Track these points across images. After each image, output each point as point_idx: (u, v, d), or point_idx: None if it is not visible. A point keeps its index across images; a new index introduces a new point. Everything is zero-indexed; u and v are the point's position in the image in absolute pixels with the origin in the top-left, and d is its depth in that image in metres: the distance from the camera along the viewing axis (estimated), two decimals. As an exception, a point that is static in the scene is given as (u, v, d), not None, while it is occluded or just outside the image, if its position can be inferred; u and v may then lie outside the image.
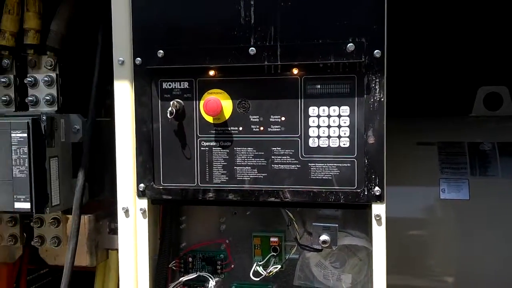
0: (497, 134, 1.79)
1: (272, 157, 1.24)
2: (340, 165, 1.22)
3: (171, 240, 1.40)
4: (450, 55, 2.25)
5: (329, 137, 1.22)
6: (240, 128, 1.25)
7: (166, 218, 1.39)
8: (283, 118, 1.23)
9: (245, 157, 1.25)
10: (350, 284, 1.34)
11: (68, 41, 1.48)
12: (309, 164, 1.23)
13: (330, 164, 1.22)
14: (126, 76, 1.29)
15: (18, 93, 1.47)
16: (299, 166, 1.23)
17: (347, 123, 1.21)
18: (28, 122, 1.33)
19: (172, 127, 1.28)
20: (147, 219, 1.32)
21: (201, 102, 1.26)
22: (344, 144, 1.21)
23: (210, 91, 1.26)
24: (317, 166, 1.23)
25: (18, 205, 1.34)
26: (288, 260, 1.39)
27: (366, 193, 1.19)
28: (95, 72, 1.41)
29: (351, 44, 1.17)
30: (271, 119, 1.24)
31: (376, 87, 1.18)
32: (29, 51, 1.46)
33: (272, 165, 1.24)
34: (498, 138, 1.76)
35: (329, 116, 1.22)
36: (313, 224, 1.26)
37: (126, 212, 1.32)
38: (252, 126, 1.25)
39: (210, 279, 1.38)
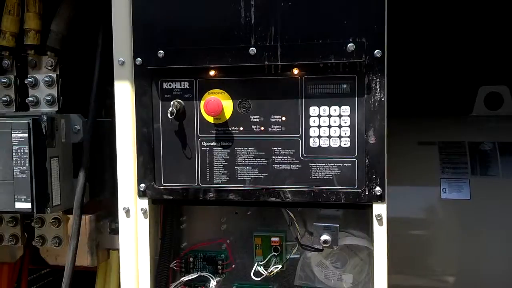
0: (498, 133, 1.79)
1: (273, 157, 1.24)
2: (341, 165, 1.22)
3: (172, 240, 1.40)
4: (450, 55, 2.24)
5: (329, 137, 1.22)
6: (241, 128, 1.25)
7: (167, 218, 1.39)
8: (283, 118, 1.23)
9: (246, 157, 1.25)
10: (351, 284, 1.35)
11: (69, 41, 1.48)
12: (310, 164, 1.23)
13: (331, 164, 1.22)
14: (127, 76, 1.29)
15: (19, 94, 1.47)
16: (299, 166, 1.23)
17: (348, 123, 1.21)
18: (28, 123, 1.33)
19: (172, 127, 1.28)
20: (148, 219, 1.32)
21: (202, 102, 1.26)
22: (344, 144, 1.21)
23: (210, 91, 1.26)
24: (318, 166, 1.23)
25: (19, 205, 1.34)
26: (289, 260, 1.39)
27: (367, 193, 1.19)
28: (95, 72, 1.41)
29: (352, 44, 1.17)
30: (271, 119, 1.24)
31: (377, 87, 1.18)
32: (30, 51, 1.46)
33: (273, 165, 1.24)
34: (499, 138, 1.76)
35: (329, 116, 1.21)
36: (314, 224, 1.26)
37: (127, 212, 1.32)
38: (253, 126, 1.25)
39: (211, 279, 1.38)
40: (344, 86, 1.20)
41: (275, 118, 1.24)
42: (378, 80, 1.17)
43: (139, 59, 1.27)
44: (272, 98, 1.24)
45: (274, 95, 1.23)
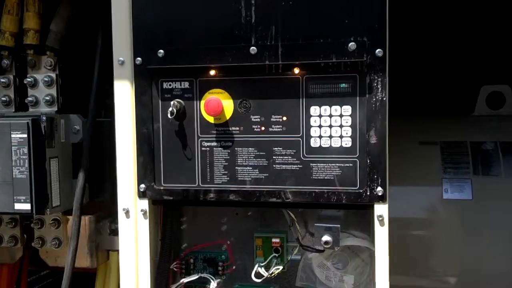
0: (500, 133, 1.79)
1: (274, 157, 1.24)
2: (342, 165, 1.21)
3: (172, 241, 1.39)
4: (452, 54, 2.24)
5: (330, 137, 1.21)
6: (241, 128, 1.25)
7: (167, 219, 1.39)
8: (284, 118, 1.23)
9: (246, 157, 1.25)
10: (353, 285, 1.34)
11: (68, 41, 1.47)
12: (311, 164, 1.22)
13: (332, 164, 1.21)
14: (126, 76, 1.28)
15: (18, 94, 1.47)
16: (300, 166, 1.23)
17: (349, 123, 1.20)
18: (28, 123, 1.32)
19: (172, 128, 1.27)
20: (148, 220, 1.31)
21: (202, 102, 1.25)
22: (346, 144, 1.21)
23: (211, 91, 1.25)
24: (319, 166, 1.22)
25: (18, 206, 1.34)
26: (290, 261, 1.38)
27: (368, 193, 1.19)
28: (95, 72, 1.41)
29: (353, 43, 1.16)
30: (272, 119, 1.23)
31: (378, 86, 1.17)
32: (29, 51, 1.45)
33: (274, 166, 1.24)
34: (501, 137, 1.76)
35: (330, 115, 1.21)
36: (315, 224, 1.25)
37: (127, 213, 1.31)
38: (253, 126, 1.24)
39: (211, 280, 1.37)
40: (346, 85, 1.20)
41: (275, 118, 1.23)
42: (379, 79, 1.17)
43: (139, 58, 1.26)
44: (273, 98, 1.23)
45: (275, 94, 1.23)
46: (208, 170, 1.27)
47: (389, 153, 1.18)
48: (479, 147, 1.75)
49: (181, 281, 1.38)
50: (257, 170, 1.25)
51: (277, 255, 1.36)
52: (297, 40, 1.19)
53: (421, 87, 2.26)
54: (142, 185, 1.29)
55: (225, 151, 1.26)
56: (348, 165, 1.21)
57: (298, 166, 1.23)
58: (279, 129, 1.23)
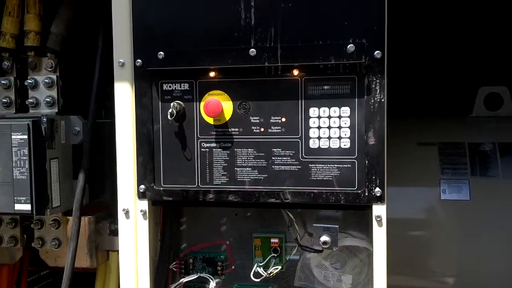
0: (498, 134, 1.80)
1: (273, 158, 1.24)
2: (341, 166, 1.22)
3: (171, 241, 1.40)
4: (450, 56, 2.25)
5: (329, 138, 1.22)
6: (241, 129, 1.25)
7: (167, 219, 1.39)
8: (283, 119, 1.23)
9: (246, 158, 1.26)
10: (351, 285, 1.34)
11: (69, 43, 1.48)
12: (310, 165, 1.23)
13: (331, 165, 1.22)
14: (127, 77, 1.29)
15: (19, 95, 1.47)
16: (299, 167, 1.23)
17: (348, 124, 1.21)
18: (28, 124, 1.33)
19: (172, 129, 1.28)
20: (147, 220, 1.32)
21: (202, 104, 1.26)
22: (344, 145, 1.21)
23: (210, 92, 1.26)
24: (317, 167, 1.23)
25: (18, 206, 1.34)
26: (288, 261, 1.39)
27: (366, 194, 1.19)
28: (95, 73, 1.41)
29: (352, 45, 1.17)
30: (271, 120, 1.24)
31: (377, 88, 1.18)
32: (30, 53, 1.45)
33: (273, 166, 1.24)
34: (498, 138, 1.76)
35: (329, 117, 1.22)
36: (314, 225, 1.26)
37: (127, 213, 1.32)
38: (253, 127, 1.25)
39: (210, 280, 1.38)
40: (344, 87, 1.20)
41: (275, 119, 1.24)
42: (378, 81, 1.17)
43: (139, 60, 1.27)
44: (272, 99, 1.24)
45: (274, 96, 1.23)
46: (208, 171, 1.27)
47: (387, 154, 1.19)
48: (477, 148, 1.75)
49: (180, 281, 1.38)
50: (256, 171, 1.25)
51: (275, 255, 1.36)
52: (296, 42, 1.20)
53: (419, 88, 2.27)
54: (142, 186, 1.30)
55: (224, 152, 1.27)
56: (346, 166, 1.22)
57: (297, 167, 1.24)
58: (278, 130, 1.24)
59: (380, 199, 1.19)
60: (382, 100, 1.18)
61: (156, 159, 1.29)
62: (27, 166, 1.33)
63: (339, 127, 1.21)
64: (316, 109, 1.22)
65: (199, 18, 1.24)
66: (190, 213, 1.46)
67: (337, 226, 1.24)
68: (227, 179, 1.26)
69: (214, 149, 1.27)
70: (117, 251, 1.38)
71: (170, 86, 1.28)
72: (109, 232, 1.52)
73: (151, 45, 1.26)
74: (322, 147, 1.22)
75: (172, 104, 1.25)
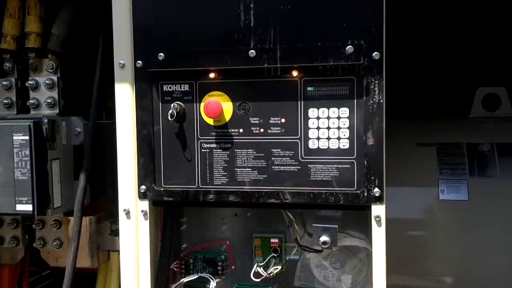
0: (496, 134, 1.80)
1: (272, 158, 1.25)
2: (340, 166, 1.22)
3: (172, 241, 1.40)
4: (448, 57, 2.25)
5: (328, 138, 1.23)
6: (241, 130, 1.26)
7: (167, 219, 1.40)
8: (283, 120, 1.24)
9: (246, 158, 1.26)
10: (350, 284, 1.35)
11: (69, 44, 1.48)
12: (309, 165, 1.24)
13: (330, 166, 1.23)
14: (127, 78, 1.30)
15: (20, 96, 1.48)
16: (299, 167, 1.24)
17: (347, 125, 1.21)
18: (29, 125, 1.33)
19: (173, 129, 1.29)
20: (148, 220, 1.32)
21: (202, 104, 1.26)
22: (343, 146, 1.22)
23: (210, 93, 1.27)
24: (317, 168, 1.24)
25: (20, 207, 1.35)
26: (288, 261, 1.39)
27: (365, 194, 1.20)
28: (96, 74, 1.42)
29: (350, 46, 1.18)
30: (271, 121, 1.25)
31: (375, 88, 1.18)
32: (31, 54, 1.46)
33: (272, 167, 1.25)
34: (496, 139, 1.77)
35: (328, 117, 1.22)
36: (313, 225, 1.26)
37: (128, 213, 1.33)
38: (252, 128, 1.26)
39: (211, 280, 1.38)
40: (343, 88, 1.21)
41: (274, 120, 1.25)
42: (376, 82, 1.18)
43: (139, 61, 1.28)
44: (271, 100, 1.24)
45: (274, 97, 1.24)
46: (208, 171, 1.28)
47: (386, 154, 1.19)
48: (475, 148, 1.76)
49: (181, 281, 1.39)
50: (256, 171, 1.26)
51: (275, 255, 1.37)
52: (295, 44, 1.21)
53: (417, 89, 2.28)
54: (143, 186, 1.30)
55: (224, 152, 1.27)
56: (345, 166, 1.22)
57: (297, 167, 1.24)
58: (277, 131, 1.24)
59: (379, 199, 1.20)
60: (381, 101, 1.18)
61: (157, 159, 1.30)
62: (28, 166, 1.34)
63: (338, 128, 1.22)
64: (315, 110, 1.23)
65: (199, 19, 1.25)
66: (191, 213, 1.47)
67: (337, 226, 1.25)
68: (227, 180, 1.27)
69: (214, 150, 1.28)
70: (118, 251, 1.38)
71: (170, 87, 1.29)
72: (110, 232, 1.52)
73: (151, 47, 1.27)
74: (321, 147, 1.23)
75: (172, 105, 1.26)
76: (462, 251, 1.69)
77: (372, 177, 1.19)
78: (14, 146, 1.34)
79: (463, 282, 1.71)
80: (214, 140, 1.27)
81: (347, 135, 1.22)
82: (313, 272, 1.37)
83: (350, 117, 1.21)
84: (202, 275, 1.40)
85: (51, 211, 1.38)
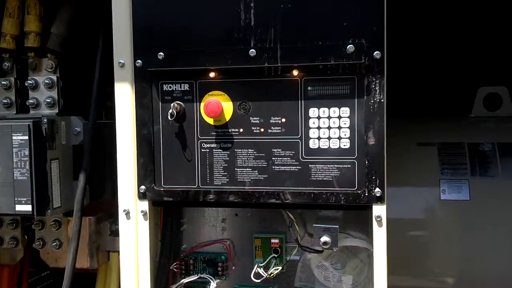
0: (497, 134, 1.80)
1: (273, 158, 1.25)
2: (341, 166, 1.22)
3: (172, 242, 1.40)
4: (449, 56, 2.25)
5: (329, 138, 1.22)
6: (241, 130, 1.26)
7: (167, 220, 1.40)
8: (283, 120, 1.24)
9: (246, 158, 1.26)
10: (351, 285, 1.35)
11: (69, 43, 1.48)
12: (310, 165, 1.23)
13: (331, 165, 1.22)
14: (127, 78, 1.29)
15: (19, 96, 1.47)
16: (299, 167, 1.24)
17: (347, 124, 1.21)
18: (29, 125, 1.33)
19: (172, 129, 1.28)
20: (148, 221, 1.32)
21: (202, 104, 1.26)
22: (344, 145, 1.22)
23: (210, 92, 1.26)
24: (317, 168, 1.23)
25: (19, 207, 1.34)
26: (289, 262, 1.39)
27: (366, 194, 1.20)
28: (95, 74, 1.41)
29: (351, 45, 1.17)
30: (271, 121, 1.24)
31: (376, 88, 1.18)
32: (30, 53, 1.46)
33: (273, 167, 1.25)
34: (498, 139, 1.76)
35: (329, 117, 1.22)
36: (314, 225, 1.26)
37: (127, 214, 1.32)
38: (253, 128, 1.25)
39: (211, 281, 1.38)
40: (344, 87, 1.21)
41: (275, 120, 1.24)
42: (377, 81, 1.18)
43: (139, 61, 1.27)
44: (272, 100, 1.24)
45: (274, 96, 1.24)
46: (208, 171, 1.28)
47: (387, 154, 1.19)
48: (476, 148, 1.75)
49: (181, 281, 1.39)
50: (256, 171, 1.26)
51: (276, 255, 1.36)
52: (295, 43, 1.20)
53: (419, 88, 2.27)
54: (142, 187, 1.30)
55: (224, 152, 1.27)
56: (346, 166, 1.22)
57: (297, 167, 1.24)
58: (278, 131, 1.24)
59: (380, 199, 1.19)
60: (382, 101, 1.18)
61: (157, 159, 1.29)
62: (27, 167, 1.33)
63: (339, 128, 1.22)
64: (316, 109, 1.22)
65: (199, 18, 1.25)
66: (191, 213, 1.47)
67: (337, 226, 1.24)
68: (228, 180, 1.27)
69: (214, 150, 1.27)
70: (118, 251, 1.38)
71: (170, 87, 1.28)
72: (109, 232, 1.52)
73: (151, 46, 1.26)
74: (322, 147, 1.23)
75: (172, 104, 1.25)
76: (464, 251, 1.69)
77: (373, 177, 1.19)
78: (14, 146, 1.33)
79: (465, 282, 1.70)
80: (214, 140, 1.27)
81: (348, 135, 1.21)
82: (314, 272, 1.37)
83: (351, 117, 1.21)
84: (202, 275, 1.39)
85: (50, 212, 1.37)
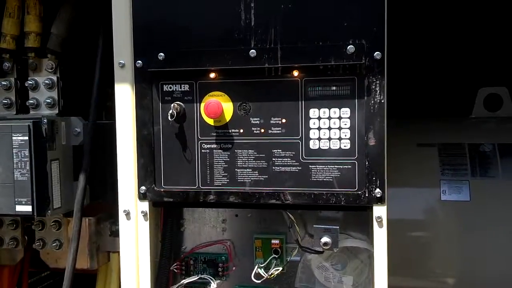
0: (498, 135, 1.79)
1: (273, 159, 1.24)
2: (341, 167, 1.22)
3: (172, 242, 1.40)
4: (450, 57, 2.25)
5: (329, 139, 1.22)
6: (241, 130, 1.26)
7: (167, 220, 1.40)
8: (283, 120, 1.23)
9: (246, 159, 1.26)
10: (351, 286, 1.35)
11: (69, 44, 1.48)
12: (310, 166, 1.23)
13: (331, 166, 1.22)
14: (127, 78, 1.29)
15: (19, 96, 1.47)
16: (300, 168, 1.24)
17: (348, 125, 1.21)
18: (29, 125, 1.33)
19: (173, 130, 1.28)
20: (148, 221, 1.32)
21: (202, 105, 1.26)
22: (344, 146, 1.21)
23: (210, 93, 1.26)
24: (318, 168, 1.23)
25: (19, 208, 1.34)
26: (289, 262, 1.39)
27: (367, 195, 1.20)
28: (95, 74, 1.41)
29: (352, 46, 1.17)
30: (271, 121, 1.24)
31: (377, 89, 1.18)
32: (30, 54, 1.46)
33: (273, 167, 1.25)
34: (498, 139, 1.76)
35: (329, 118, 1.22)
36: (314, 226, 1.26)
37: (127, 214, 1.32)
38: (253, 128, 1.25)
39: (211, 281, 1.38)
40: (344, 88, 1.21)
41: (275, 120, 1.24)
42: (378, 82, 1.17)
43: (139, 61, 1.27)
44: (272, 100, 1.24)
45: (274, 97, 1.24)
46: (208, 172, 1.27)
47: (387, 155, 1.19)
48: (476, 149, 1.75)
49: (181, 282, 1.38)
50: (256, 172, 1.25)
51: (276, 256, 1.36)
52: (296, 43, 1.20)
53: (419, 89, 2.27)
54: (143, 187, 1.30)
55: (225, 153, 1.27)
56: (346, 167, 1.22)
57: (297, 168, 1.24)
58: (278, 131, 1.24)
59: (380, 200, 1.19)
60: (382, 101, 1.18)
61: (157, 160, 1.29)
62: (27, 167, 1.33)
63: (339, 128, 1.21)
64: (316, 110, 1.22)
65: (199, 19, 1.24)
66: (191, 214, 1.46)
67: (338, 227, 1.24)
68: (228, 180, 1.27)
69: (214, 150, 1.27)
70: (118, 252, 1.38)
71: (170, 87, 1.28)
72: (110, 233, 1.52)
73: (151, 46, 1.26)
74: (322, 148, 1.23)
75: (172, 105, 1.25)
76: (464, 252, 1.68)
77: (374, 178, 1.19)
78: (14, 146, 1.33)
79: (465, 283, 1.70)
80: (214, 141, 1.27)
81: (348, 136, 1.21)
82: (314, 273, 1.37)
83: (351, 117, 1.21)
84: (202, 276, 1.39)
85: (50, 212, 1.37)
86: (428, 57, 2.26)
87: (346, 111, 1.21)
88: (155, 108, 1.28)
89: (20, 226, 1.51)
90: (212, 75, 1.25)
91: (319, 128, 1.22)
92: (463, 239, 1.68)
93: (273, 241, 1.37)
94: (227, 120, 1.26)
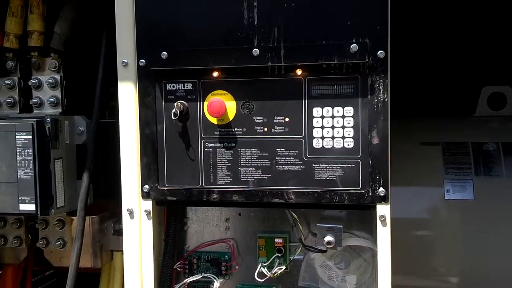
0: (501, 134, 1.79)
1: (276, 158, 1.24)
2: (345, 165, 1.22)
3: (175, 241, 1.40)
4: (454, 55, 2.24)
5: (333, 137, 1.22)
6: (244, 129, 1.25)
7: (171, 219, 1.39)
8: (287, 119, 1.23)
9: (249, 158, 1.26)
10: (355, 285, 1.35)
11: (72, 43, 1.48)
12: (313, 165, 1.23)
13: (334, 165, 1.22)
14: (130, 77, 1.29)
15: (23, 95, 1.48)
16: (303, 167, 1.23)
17: (351, 124, 1.21)
18: (32, 124, 1.33)
19: (176, 129, 1.28)
20: (151, 220, 1.32)
21: (205, 103, 1.26)
22: (348, 145, 1.21)
23: (214, 92, 1.26)
24: (321, 167, 1.23)
25: (23, 207, 1.35)
26: (292, 261, 1.39)
27: (370, 193, 1.19)
28: (99, 73, 1.41)
29: (355, 44, 1.17)
30: (275, 120, 1.24)
31: (380, 87, 1.17)
32: (33, 53, 1.46)
33: (276, 166, 1.24)
34: (502, 138, 1.76)
35: (333, 116, 1.21)
36: (318, 225, 1.26)
37: (131, 213, 1.32)
38: (256, 127, 1.25)
39: (215, 280, 1.38)
40: (348, 86, 1.20)
41: (278, 119, 1.24)
42: (381, 80, 1.17)
43: (142, 60, 1.27)
44: (275, 99, 1.24)
45: (278, 96, 1.23)
46: (211, 171, 1.27)
47: (391, 153, 1.19)
48: (480, 147, 1.75)
49: (185, 280, 1.38)
50: (260, 170, 1.25)
51: (280, 255, 1.36)
52: (299, 42, 1.20)
53: (422, 88, 2.27)
54: (146, 186, 1.30)
55: (228, 152, 1.27)
56: (350, 165, 1.21)
57: (301, 166, 1.24)
58: (281, 130, 1.24)
59: (384, 199, 1.19)
60: (386, 100, 1.18)
61: (160, 159, 1.29)
62: (31, 166, 1.33)
63: (343, 127, 1.21)
64: (320, 108, 1.22)
65: (202, 18, 1.24)
66: (194, 213, 1.47)
67: (341, 226, 1.24)
68: (231, 179, 1.27)
69: (217, 149, 1.27)
70: (122, 251, 1.38)
71: (173, 86, 1.28)
72: (113, 232, 1.52)
73: (155, 45, 1.26)
74: (325, 147, 1.22)
75: (175, 104, 1.25)
76: (468, 251, 1.68)
77: (377, 177, 1.19)
78: (17, 145, 1.34)
79: (469, 281, 1.70)
80: (217, 139, 1.27)
81: (352, 134, 1.21)
82: (318, 272, 1.37)
83: (354, 116, 1.20)
84: (205, 275, 1.39)
85: (54, 211, 1.38)
86: (432, 56, 2.26)
87: (349, 110, 1.21)
88: (158, 107, 1.28)
89: (23, 225, 1.51)
90: (215, 74, 1.25)
91: (322, 127, 1.22)
92: (467, 238, 1.68)
93: (276, 240, 1.37)
94: (230, 119, 1.26)
